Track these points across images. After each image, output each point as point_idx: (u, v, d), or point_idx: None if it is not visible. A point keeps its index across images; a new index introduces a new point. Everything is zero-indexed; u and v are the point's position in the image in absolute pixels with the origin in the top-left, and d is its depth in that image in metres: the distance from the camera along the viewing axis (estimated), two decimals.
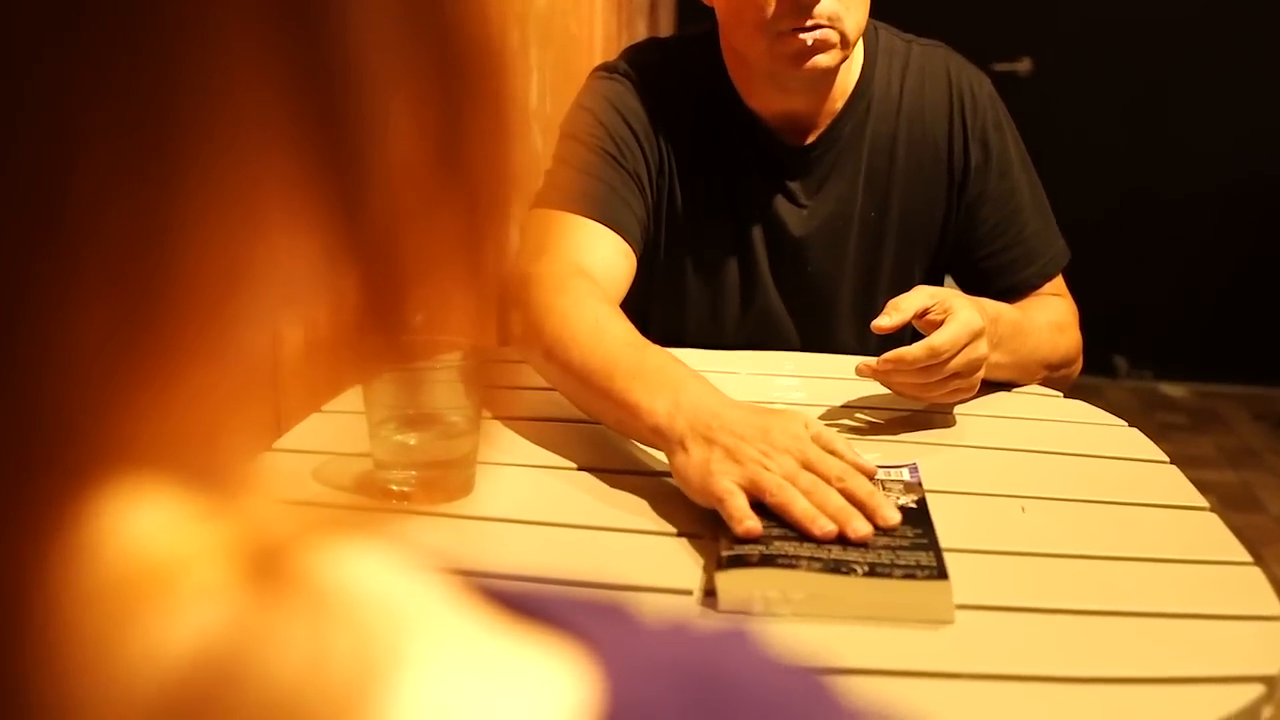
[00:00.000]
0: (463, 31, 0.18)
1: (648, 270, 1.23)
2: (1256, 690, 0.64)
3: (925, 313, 0.98)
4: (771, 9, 1.11)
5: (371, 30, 0.16)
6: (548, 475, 0.93)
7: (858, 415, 1.07)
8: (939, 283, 1.31)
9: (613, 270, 1.12)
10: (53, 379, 0.14)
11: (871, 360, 0.98)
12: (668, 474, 0.87)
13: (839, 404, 1.09)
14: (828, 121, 1.25)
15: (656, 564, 0.79)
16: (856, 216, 1.27)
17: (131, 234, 0.14)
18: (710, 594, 0.73)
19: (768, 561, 0.73)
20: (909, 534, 0.77)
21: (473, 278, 0.19)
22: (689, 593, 0.74)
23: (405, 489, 0.87)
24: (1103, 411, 1.13)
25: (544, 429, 1.00)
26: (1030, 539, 0.83)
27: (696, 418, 0.84)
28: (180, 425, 0.16)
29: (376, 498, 0.87)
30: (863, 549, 0.75)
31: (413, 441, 0.88)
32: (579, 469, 0.94)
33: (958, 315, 0.97)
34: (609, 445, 0.97)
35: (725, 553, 0.75)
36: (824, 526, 0.76)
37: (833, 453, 0.83)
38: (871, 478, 0.83)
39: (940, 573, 0.73)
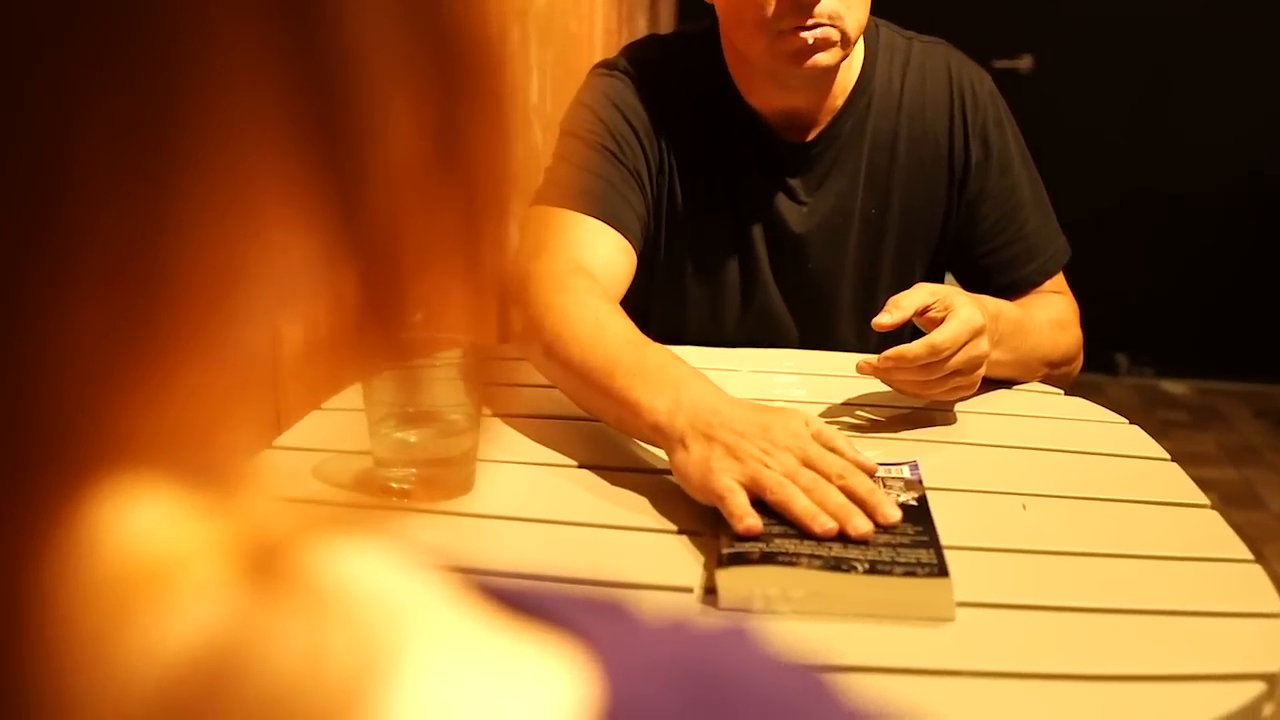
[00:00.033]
0: (462, 28, 0.18)
1: (648, 268, 1.23)
2: (1257, 688, 0.64)
3: (926, 310, 0.98)
4: (772, 8, 1.11)
5: (370, 27, 0.16)
6: (548, 473, 0.93)
7: (858, 413, 1.07)
8: (939, 280, 1.31)
9: (613, 268, 1.12)
10: (51, 377, 0.14)
11: (872, 358, 0.98)
12: (668, 472, 0.87)
13: (839, 401, 1.09)
14: (828, 118, 1.25)
15: (657, 561, 0.79)
16: (857, 213, 1.27)
17: (130, 232, 0.14)
18: (710, 592, 0.73)
19: (768, 559, 0.73)
20: (909, 531, 0.77)
21: (472, 275, 0.19)
22: (689, 590, 0.74)
23: (405, 486, 0.87)
24: (1103, 409, 1.13)
25: (544, 426, 1.00)
26: (1031, 536, 0.83)
27: (697, 415, 0.84)
28: (179, 423, 0.16)
29: (376, 495, 0.87)
30: (863, 546, 0.75)
31: (413, 439, 0.88)
32: (579, 466, 0.94)
33: (958, 312, 0.97)
34: (609, 443, 0.97)
35: (725, 550, 0.75)
36: (824, 524, 0.76)
37: (833, 450, 0.83)
38: (872, 475, 0.83)
39: (941, 570, 0.73)
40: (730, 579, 0.72)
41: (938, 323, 0.97)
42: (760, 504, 0.79)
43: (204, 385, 0.16)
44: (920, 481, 0.86)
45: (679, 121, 1.23)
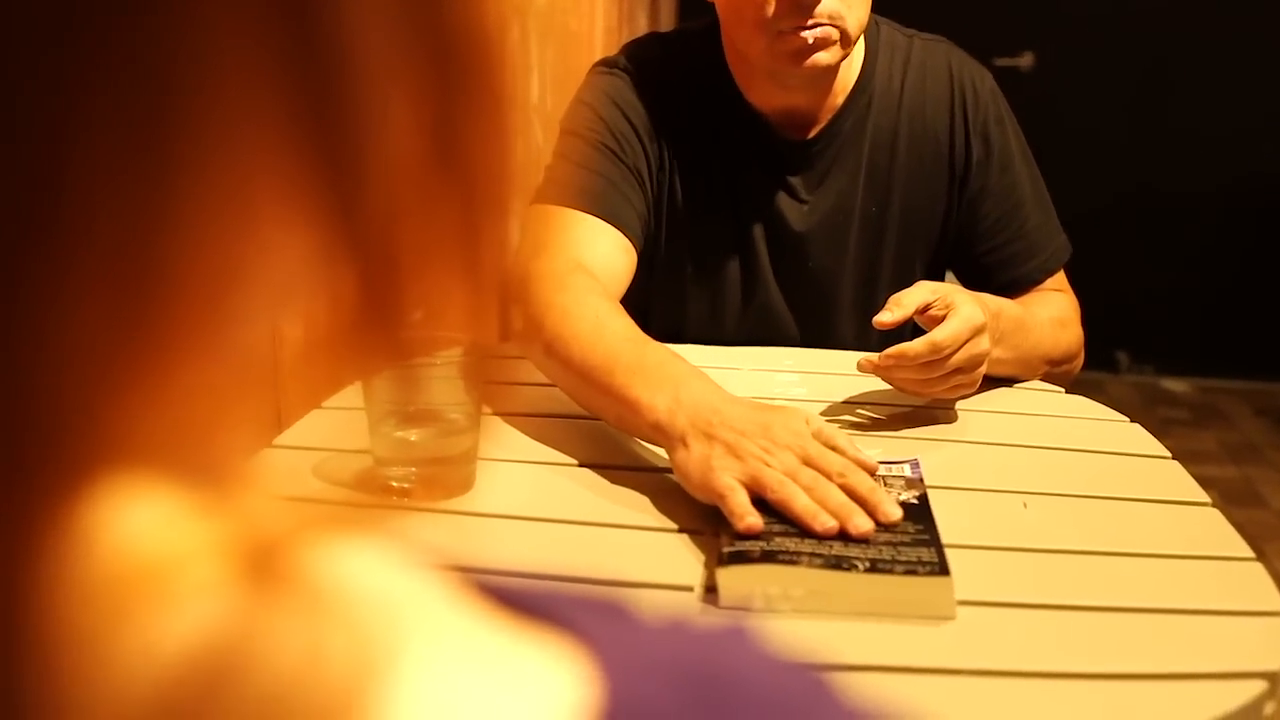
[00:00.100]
0: (461, 27, 0.18)
1: (648, 266, 1.23)
2: (1259, 686, 0.64)
3: (927, 308, 0.98)
4: (772, 8, 1.11)
5: (369, 25, 0.16)
6: (548, 471, 0.93)
7: (859, 411, 1.07)
8: (940, 278, 1.31)
9: (613, 266, 1.12)
10: (49, 376, 0.14)
11: (873, 356, 0.98)
12: (668, 470, 0.87)
13: (840, 400, 1.09)
14: (829, 116, 1.25)
15: (657, 560, 0.79)
16: (857, 212, 1.27)
17: (128, 231, 0.14)
18: (711, 590, 0.73)
19: (769, 558, 0.73)
20: (910, 530, 0.77)
21: (472, 273, 0.19)
22: (690, 589, 0.74)
23: (405, 485, 0.87)
24: (1104, 407, 1.13)
25: (544, 425, 1.00)
26: (1032, 535, 0.83)
27: (697, 414, 0.84)
28: (179, 422, 0.16)
29: (376, 494, 0.87)
30: (864, 545, 0.75)
31: (413, 438, 0.88)
32: (579, 465, 0.94)
33: (959, 310, 0.97)
34: (609, 441, 0.97)
35: (726, 549, 0.75)
36: (825, 522, 0.76)
37: (834, 449, 0.83)
38: (873, 474, 0.83)
39: (942, 569, 0.72)
40: (731, 578, 0.72)
41: (939, 321, 0.97)
42: (761, 503, 0.78)
43: (203, 384, 0.16)
44: (921, 480, 0.86)
45: (679, 119, 1.23)
